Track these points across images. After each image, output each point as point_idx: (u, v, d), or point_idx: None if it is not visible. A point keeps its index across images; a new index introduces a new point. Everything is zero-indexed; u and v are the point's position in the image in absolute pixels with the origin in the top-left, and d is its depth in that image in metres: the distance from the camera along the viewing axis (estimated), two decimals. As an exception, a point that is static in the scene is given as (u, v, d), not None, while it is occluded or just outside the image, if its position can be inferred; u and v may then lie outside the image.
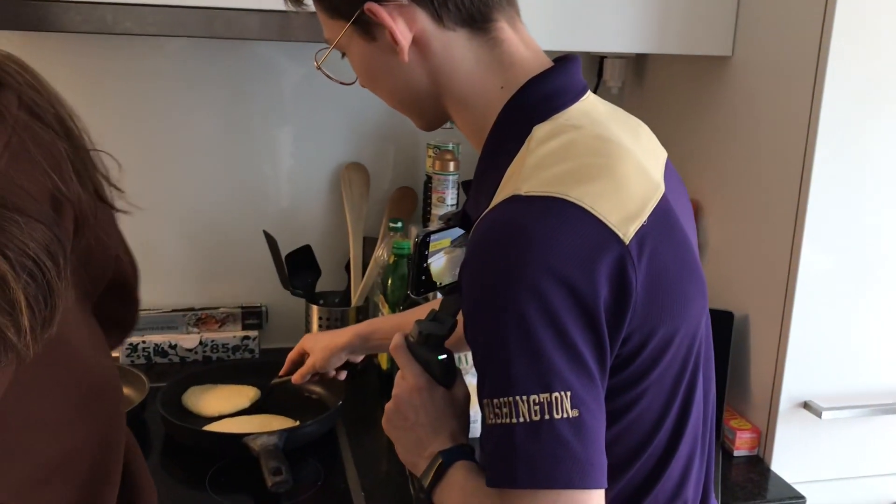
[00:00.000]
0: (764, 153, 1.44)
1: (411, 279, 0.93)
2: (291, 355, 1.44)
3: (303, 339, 1.45)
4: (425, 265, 0.93)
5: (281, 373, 1.45)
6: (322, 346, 1.39)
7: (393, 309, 1.62)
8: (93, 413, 0.78)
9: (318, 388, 1.60)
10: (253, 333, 1.81)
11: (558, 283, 0.72)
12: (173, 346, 1.76)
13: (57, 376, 0.73)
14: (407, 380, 0.92)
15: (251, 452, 1.30)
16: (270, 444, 1.30)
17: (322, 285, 1.78)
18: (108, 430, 0.80)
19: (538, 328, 0.72)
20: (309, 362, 1.40)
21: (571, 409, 0.72)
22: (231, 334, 1.79)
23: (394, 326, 1.33)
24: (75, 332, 0.76)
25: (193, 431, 1.38)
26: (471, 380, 0.89)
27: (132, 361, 1.75)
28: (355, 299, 1.75)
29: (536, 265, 0.72)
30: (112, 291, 0.97)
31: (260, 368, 1.63)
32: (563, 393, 0.72)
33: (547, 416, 0.71)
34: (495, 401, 0.74)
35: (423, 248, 0.92)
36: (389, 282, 1.64)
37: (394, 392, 0.94)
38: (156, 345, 1.75)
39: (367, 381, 1.69)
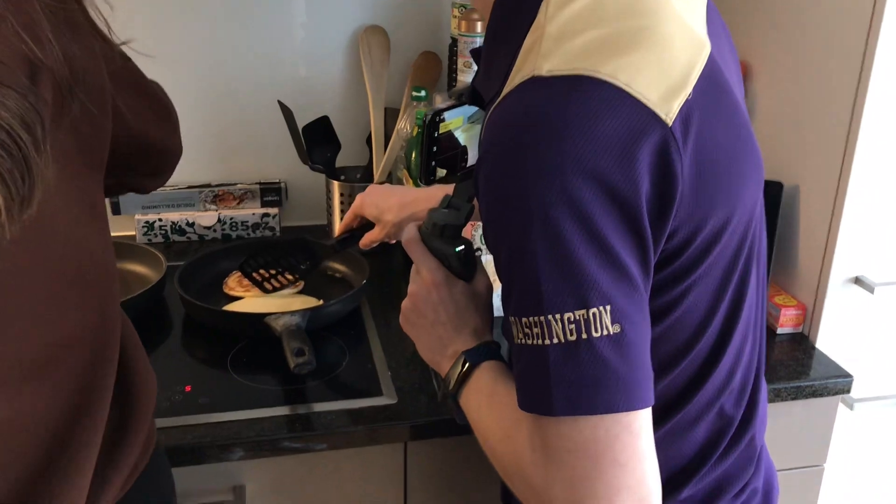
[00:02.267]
0: (825, 5, 1.30)
1: (421, 165, 0.84)
2: (347, 219, 1.27)
3: (362, 198, 1.23)
4: (435, 149, 0.83)
5: (336, 233, 1.34)
6: (396, 211, 1.18)
7: (416, 184, 1.53)
8: (83, 300, 0.71)
9: (341, 266, 1.54)
10: (273, 211, 1.74)
11: (591, 181, 0.61)
12: (191, 224, 1.70)
13: (40, 261, 0.66)
14: (423, 275, 0.84)
15: (273, 333, 1.25)
16: (293, 325, 1.24)
17: (342, 160, 1.69)
18: (102, 320, 0.74)
19: (570, 235, 0.62)
20: (380, 230, 1.22)
21: (612, 324, 0.63)
22: (250, 211, 1.72)
23: None
24: (61, 212, 0.68)
25: (213, 311, 1.34)
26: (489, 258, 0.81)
27: (149, 240, 1.70)
28: (378, 174, 1.67)
29: (564, 161, 0.61)
30: (136, 161, 0.91)
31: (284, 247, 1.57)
32: (601, 308, 0.63)
33: (584, 336, 0.63)
34: (524, 320, 0.65)
35: (432, 129, 0.81)
36: (413, 156, 1.55)
37: (410, 289, 0.87)
38: (173, 223, 1.69)
39: (392, 257, 1.62)
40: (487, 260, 0.81)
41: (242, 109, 1.71)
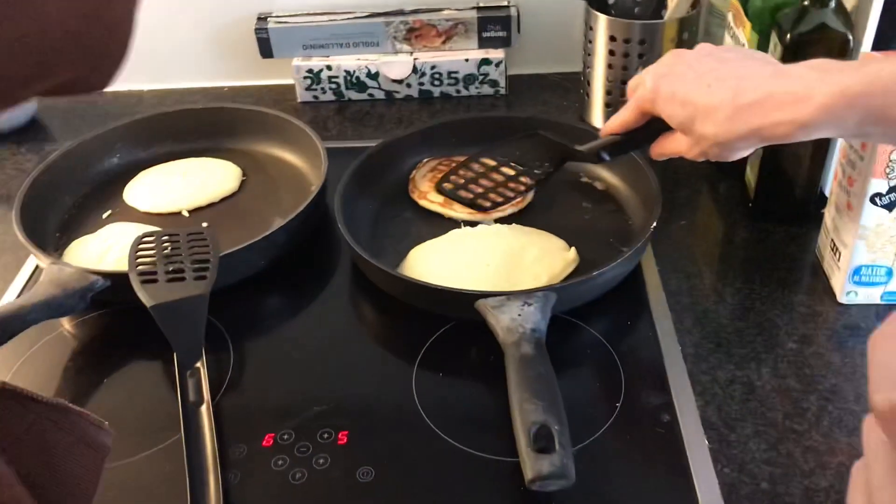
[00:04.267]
0: None
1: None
2: (628, 115, 0.70)
3: (656, 82, 0.66)
4: None
5: (605, 132, 0.74)
6: (724, 120, 0.60)
7: (761, 26, 0.84)
8: None
9: (603, 171, 0.93)
10: (496, 54, 1.11)
11: None
12: (374, 75, 1.12)
13: None
14: None
15: (486, 329, 0.69)
16: (527, 327, 0.67)
17: (614, -27, 1.01)
18: None
19: None
20: (691, 145, 0.65)
21: None
22: (461, 55, 1.11)
23: None
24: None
25: (389, 276, 0.78)
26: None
27: (315, 98, 1.14)
28: (674, 4, 0.98)
29: None
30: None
31: (508, 126, 0.97)
32: None
33: None
34: None
35: None
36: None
37: None
38: (347, 72, 1.12)
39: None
40: None
41: None
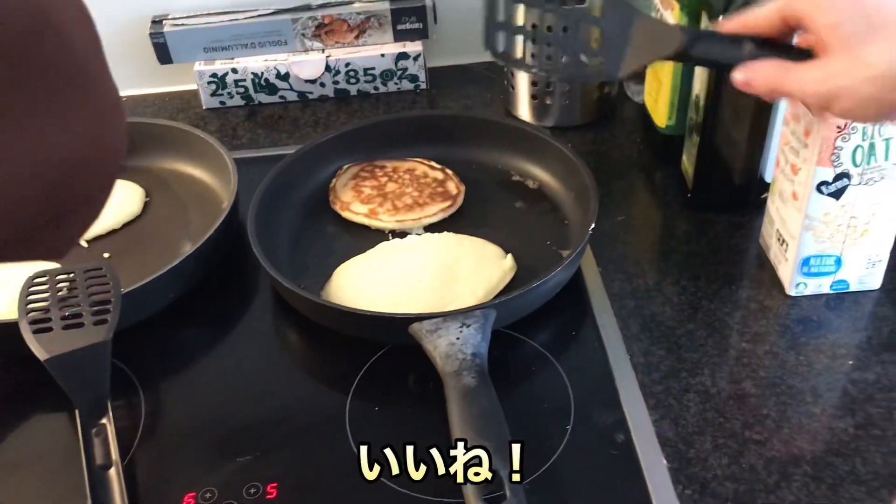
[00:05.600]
0: None
1: None
2: (763, 19, 0.54)
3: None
4: None
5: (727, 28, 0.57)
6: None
7: (690, 6, 0.80)
8: None
9: (533, 167, 0.88)
10: (414, 47, 1.05)
11: None
12: (284, 76, 1.04)
13: None
14: None
15: (423, 352, 0.64)
16: (466, 352, 0.62)
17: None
18: None
19: None
20: (809, 83, 0.52)
21: None
22: (377, 50, 1.04)
23: None
24: None
25: (319, 306, 0.71)
26: None
27: (221, 104, 1.06)
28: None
29: None
30: None
31: (433, 125, 0.92)
32: None
33: None
34: None
35: None
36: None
37: None
38: (255, 74, 1.04)
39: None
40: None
41: None
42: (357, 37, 1.04)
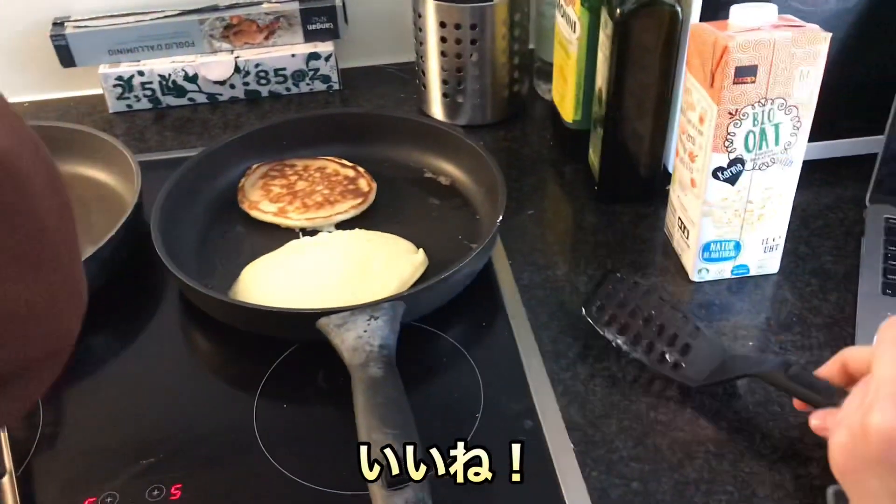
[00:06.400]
0: None
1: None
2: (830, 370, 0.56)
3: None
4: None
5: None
6: None
7: (591, 2, 0.81)
8: None
9: (444, 163, 0.88)
10: (325, 47, 1.04)
11: None
12: (192, 78, 1.03)
13: None
14: None
15: (331, 347, 0.63)
16: (373, 344, 0.61)
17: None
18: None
19: None
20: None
21: None
22: (287, 50, 1.04)
23: None
24: None
25: (224, 305, 0.70)
26: None
27: (129, 107, 1.04)
28: (504, -18, 0.94)
29: None
30: None
31: (344, 124, 0.92)
32: None
33: None
34: None
35: None
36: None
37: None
38: (162, 76, 1.02)
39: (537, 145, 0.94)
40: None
41: None
42: (267, 37, 1.03)
